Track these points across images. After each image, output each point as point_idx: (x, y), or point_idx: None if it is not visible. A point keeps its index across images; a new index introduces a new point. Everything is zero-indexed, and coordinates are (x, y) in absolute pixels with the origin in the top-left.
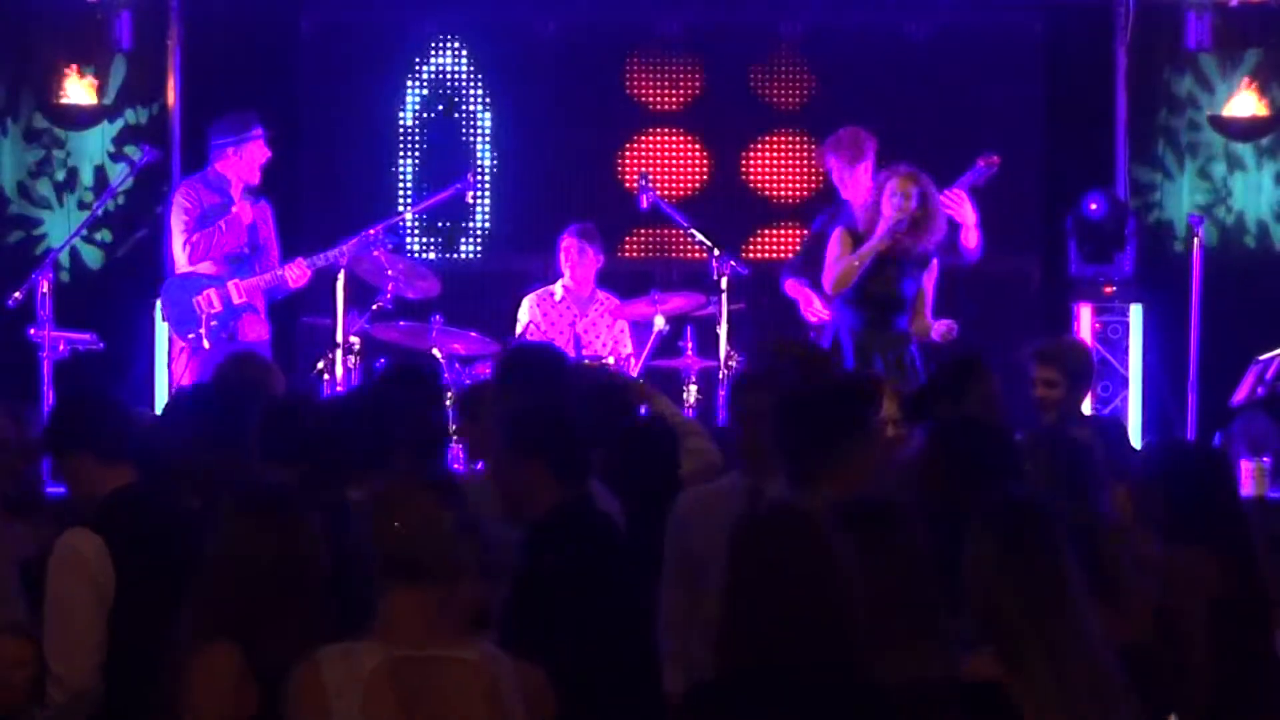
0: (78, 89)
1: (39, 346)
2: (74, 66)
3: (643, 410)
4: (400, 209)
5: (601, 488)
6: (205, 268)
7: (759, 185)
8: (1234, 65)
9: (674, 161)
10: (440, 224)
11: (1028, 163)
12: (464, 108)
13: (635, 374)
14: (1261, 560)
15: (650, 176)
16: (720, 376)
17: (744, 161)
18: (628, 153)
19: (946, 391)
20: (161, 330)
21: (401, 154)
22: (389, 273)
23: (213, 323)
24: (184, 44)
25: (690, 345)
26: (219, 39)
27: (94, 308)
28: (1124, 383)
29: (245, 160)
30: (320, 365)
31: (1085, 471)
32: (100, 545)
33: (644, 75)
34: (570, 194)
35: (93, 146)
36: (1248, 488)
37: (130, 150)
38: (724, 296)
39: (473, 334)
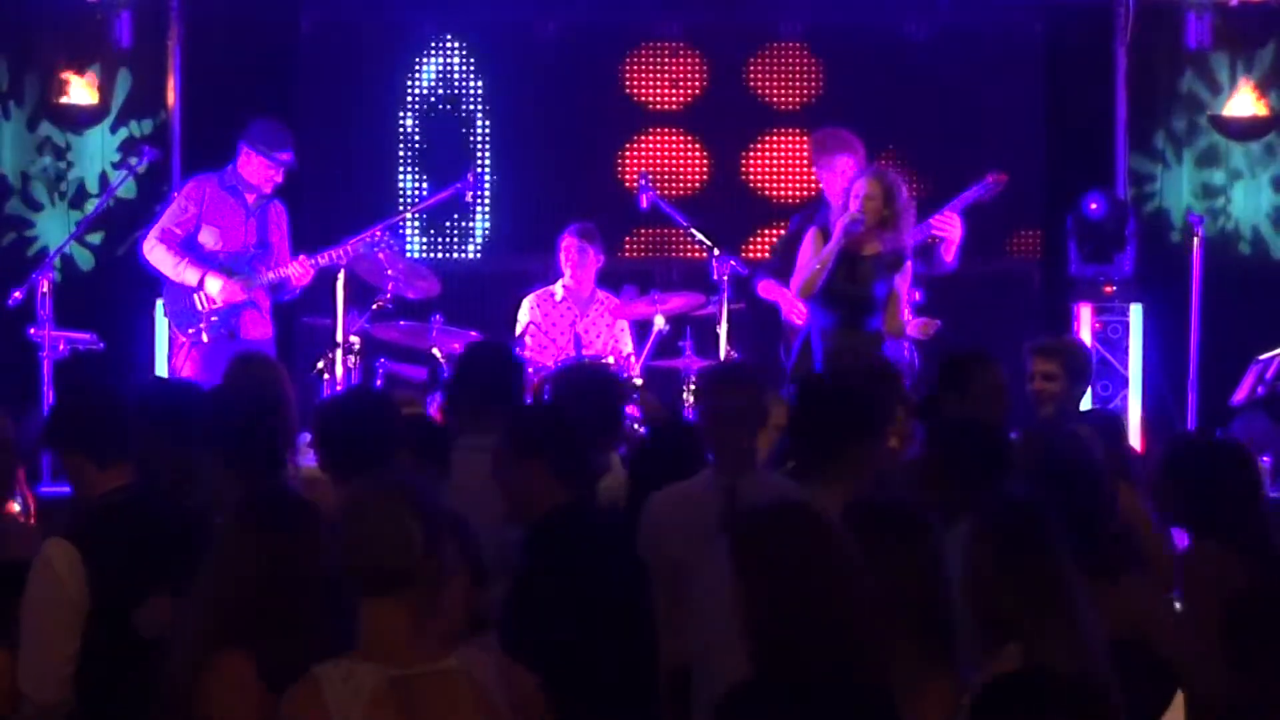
0: (78, 89)
1: (39, 346)
2: (74, 67)
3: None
4: (400, 209)
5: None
6: (218, 258)
7: (759, 185)
8: (1234, 65)
9: (674, 161)
10: (447, 223)
11: (1028, 162)
12: (464, 108)
13: (635, 374)
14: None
15: (650, 176)
16: None
17: (744, 161)
18: (628, 153)
19: (952, 385)
20: (162, 330)
21: (401, 154)
22: (389, 273)
23: (213, 318)
24: (184, 44)
25: (690, 345)
26: (219, 39)
27: (88, 308)
28: (1124, 382)
29: (263, 174)
30: (320, 365)
31: (1082, 465)
32: (74, 556)
33: (644, 75)
34: (570, 194)
35: (94, 147)
36: None
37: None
38: (724, 296)
39: (473, 334)
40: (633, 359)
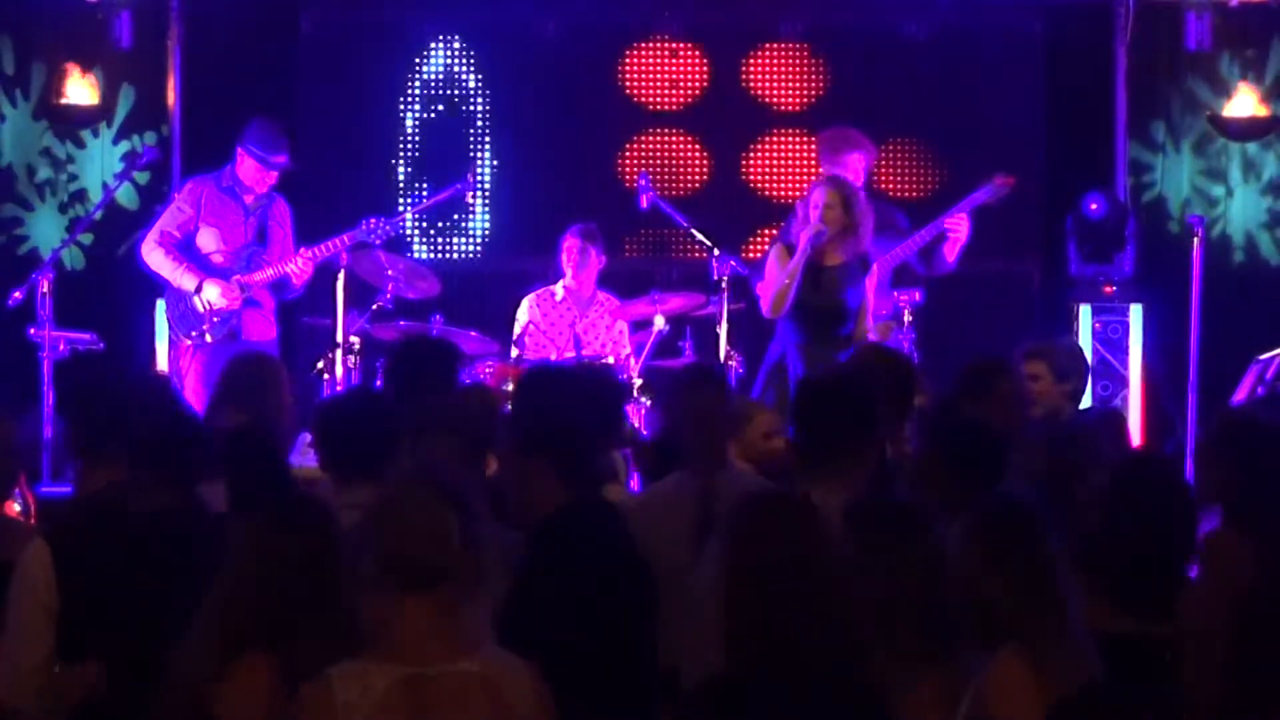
0: (78, 89)
1: (39, 346)
2: (74, 67)
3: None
4: (400, 209)
5: None
6: (216, 259)
7: (759, 185)
8: (1234, 65)
9: (674, 161)
10: (447, 224)
11: (1028, 162)
12: (464, 108)
13: (635, 374)
14: None
15: (650, 176)
16: None
17: (744, 161)
18: (628, 153)
19: (971, 392)
20: (162, 330)
21: (401, 154)
22: (389, 273)
23: (215, 319)
24: (184, 44)
25: (690, 345)
26: (219, 39)
27: (87, 308)
28: (1124, 383)
29: (258, 176)
30: (320, 365)
31: (1071, 460)
32: (47, 557)
33: (644, 75)
34: (570, 194)
35: (95, 160)
36: None
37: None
38: (724, 297)
39: (473, 334)
40: (632, 360)
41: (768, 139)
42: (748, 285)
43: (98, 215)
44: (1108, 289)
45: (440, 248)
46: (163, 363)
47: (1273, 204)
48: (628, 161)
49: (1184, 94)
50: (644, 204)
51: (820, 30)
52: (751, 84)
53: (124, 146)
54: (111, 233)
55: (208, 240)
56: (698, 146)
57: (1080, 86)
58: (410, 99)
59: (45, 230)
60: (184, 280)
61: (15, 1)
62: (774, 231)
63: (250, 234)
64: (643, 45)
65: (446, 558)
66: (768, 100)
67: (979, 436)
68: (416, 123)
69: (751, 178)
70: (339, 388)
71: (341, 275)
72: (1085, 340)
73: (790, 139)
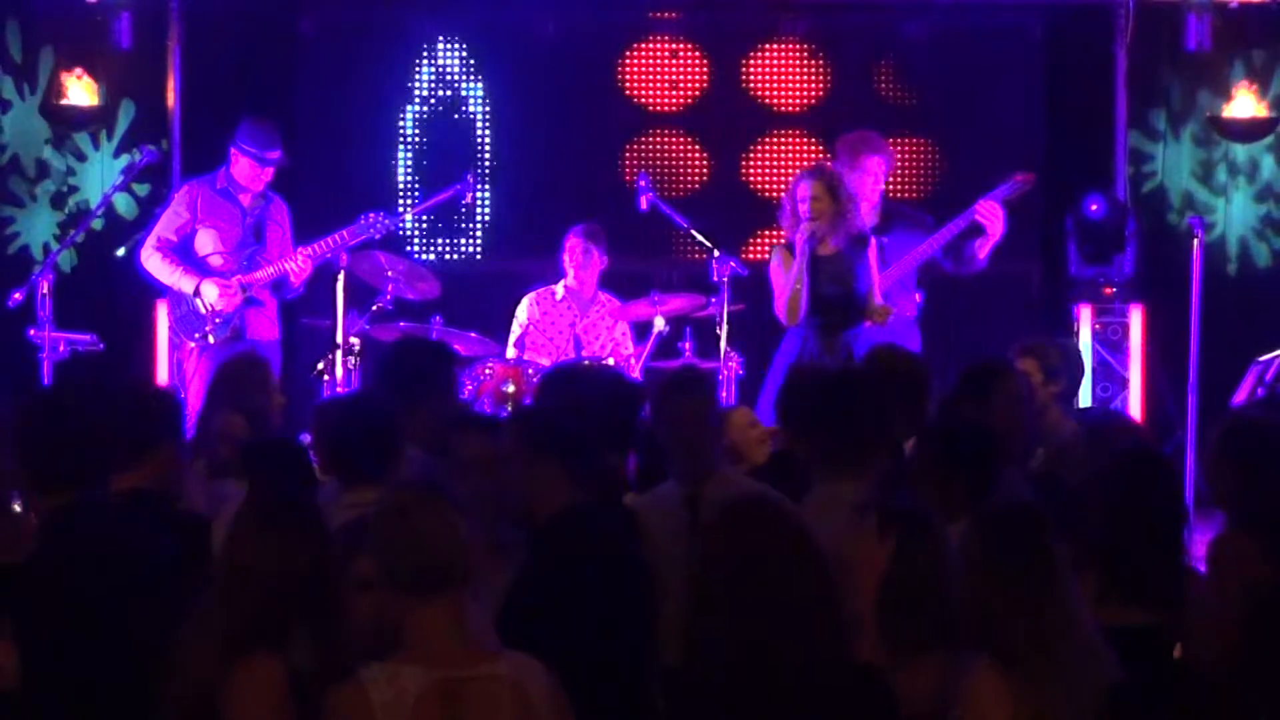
0: (77, 90)
1: (39, 347)
2: (74, 67)
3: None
4: (400, 210)
5: None
6: (215, 261)
7: (759, 186)
8: (1234, 66)
9: (674, 162)
10: (447, 224)
11: (1028, 163)
12: (464, 108)
13: (635, 375)
14: None
15: (650, 177)
16: (720, 377)
17: (744, 162)
18: (628, 153)
19: (972, 395)
20: (163, 330)
21: (401, 155)
22: (389, 274)
23: (217, 320)
24: (184, 44)
25: (690, 346)
26: (219, 39)
27: (87, 308)
28: (1124, 384)
29: (253, 174)
30: (320, 366)
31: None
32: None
33: (644, 75)
34: (570, 194)
35: (96, 174)
36: None
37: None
38: (724, 297)
39: (473, 335)
40: (632, 361)
41: (768, 139)
42: (747, 285)
43: (96, 222)
44: (1108, 290)
45: (440, 248)
46: (164, 365)
47: (1272, 208)
48: (628, 162)
49: (1184, 95)
50: (644, 205)
51: (820, 30)
52: (751, 84)
53: (124, 160)
54: (111, 235)
55: (205, 242)
56: (697, 147)
57: (1080, 87)
58: (410, 100)
59: (37, 228)
60: (182, 283)
61: (15, 1)
62: (774, 232)
63: (248, 234)
64: (643, 45)
65: (465, 560)
66: (768, 100)
67: (977, 438)
68: (416, 123)
69: (751, 178)
70: (339, 389)
71: (341, 276)
72: (1085, 342)
73: (790, 139)
